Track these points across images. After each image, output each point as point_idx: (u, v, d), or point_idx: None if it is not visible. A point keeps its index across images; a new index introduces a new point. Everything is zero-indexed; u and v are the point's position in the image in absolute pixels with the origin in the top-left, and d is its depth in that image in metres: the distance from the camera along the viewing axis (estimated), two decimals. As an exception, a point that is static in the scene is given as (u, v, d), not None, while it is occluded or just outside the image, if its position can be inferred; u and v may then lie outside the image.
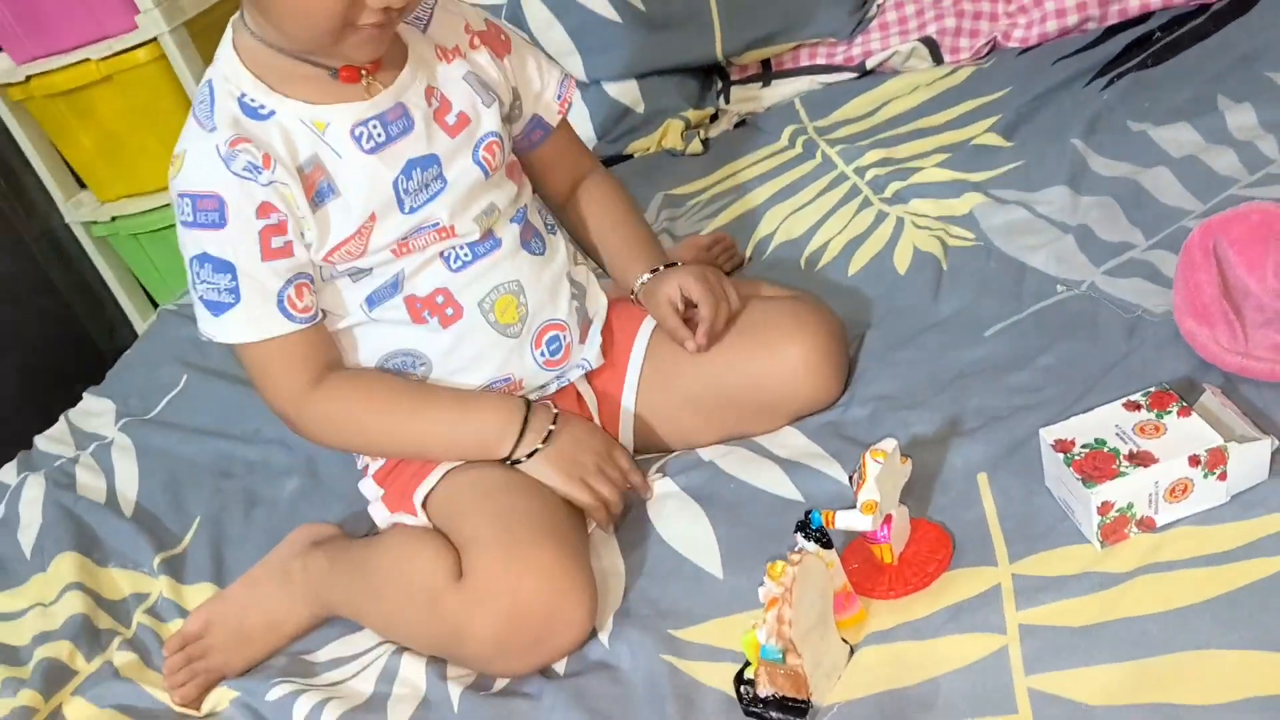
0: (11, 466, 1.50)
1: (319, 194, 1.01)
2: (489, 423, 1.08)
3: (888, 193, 1.43)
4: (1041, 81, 1.53)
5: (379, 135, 1.03)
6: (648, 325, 1.18)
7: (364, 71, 1.02)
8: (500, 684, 0.99)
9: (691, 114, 1.77)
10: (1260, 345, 0.98)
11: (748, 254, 1.45)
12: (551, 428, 1.08)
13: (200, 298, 1.02)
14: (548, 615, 0.96)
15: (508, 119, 1.14)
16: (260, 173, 0.98)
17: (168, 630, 1.17)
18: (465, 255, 1.09)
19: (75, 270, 2.33)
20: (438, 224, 1.06)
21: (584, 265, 1.22)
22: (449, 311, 1.09)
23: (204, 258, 1.00)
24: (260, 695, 1.03)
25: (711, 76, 1.83)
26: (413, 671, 1.01)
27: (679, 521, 1.07)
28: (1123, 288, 1.14)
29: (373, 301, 1.08)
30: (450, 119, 1.07)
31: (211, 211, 0.99)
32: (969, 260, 1.27)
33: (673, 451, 1.18)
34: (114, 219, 2.23)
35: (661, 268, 1.16)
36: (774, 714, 0.86)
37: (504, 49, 1.14)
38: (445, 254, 1.08)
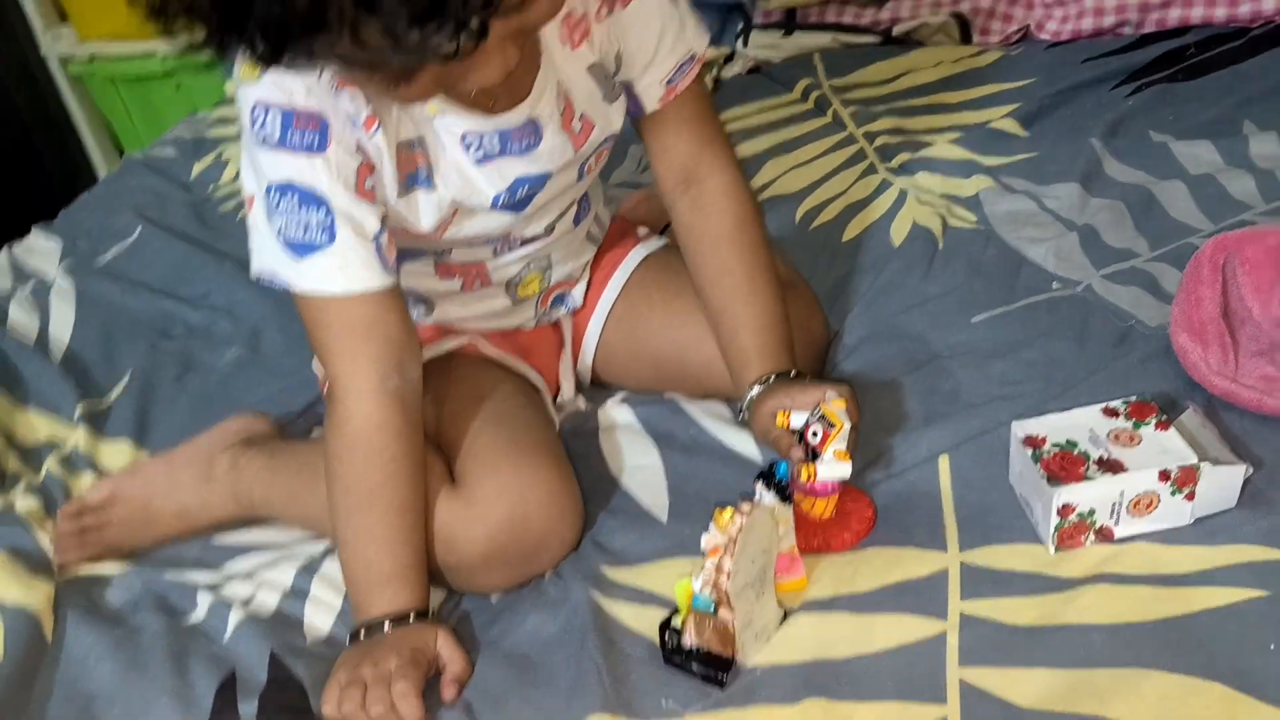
0: (-57, 291, 1.43)
1: (412, 178, 0.88)
2: (380, 590, 0.88)
3: (895, 163, 1.38)
4: (1068, 77, 1.48)
5: (493, 148, 0.90)
6: (633, 257, 1.13)
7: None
8: (435, 597, 0.94)
9: (707, 51, 1.70)
10: (1250, 374, 0.95)
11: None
12: (387, 630, 0.87)
13: (278, 234, 0.84)
14: (544, 532, 0.92)
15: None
16: (357, 127, 0.84)
17: (76, 481, 1.12)
18: (515, 244, 1.01)
19: (44, 105, 2.24)
20: (510, 234, 0.98)
21: (607, 207, 1.16)
22: (476, 283, 1.03)
23: (288, 188, 0.83)
24: (157, 575, 0.98)
25: (733, 16, 1.76)
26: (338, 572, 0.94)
27: (631, 455, 1.03)
28: (1120, 295, 1.11)
29: (405, 258, 0.97)
30: (576, 124, 0.94)
31: (311, 133, 0.82)
32: (967, 243, 1.23)
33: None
34: (92, 59, 2.14)
35: (791, 373, 0.97)
36: (695, 666, 0.82)
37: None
38: (497, 245, 1.00)
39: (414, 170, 0.89)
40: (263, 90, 0.82)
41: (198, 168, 1.64)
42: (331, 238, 0.84)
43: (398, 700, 0.81)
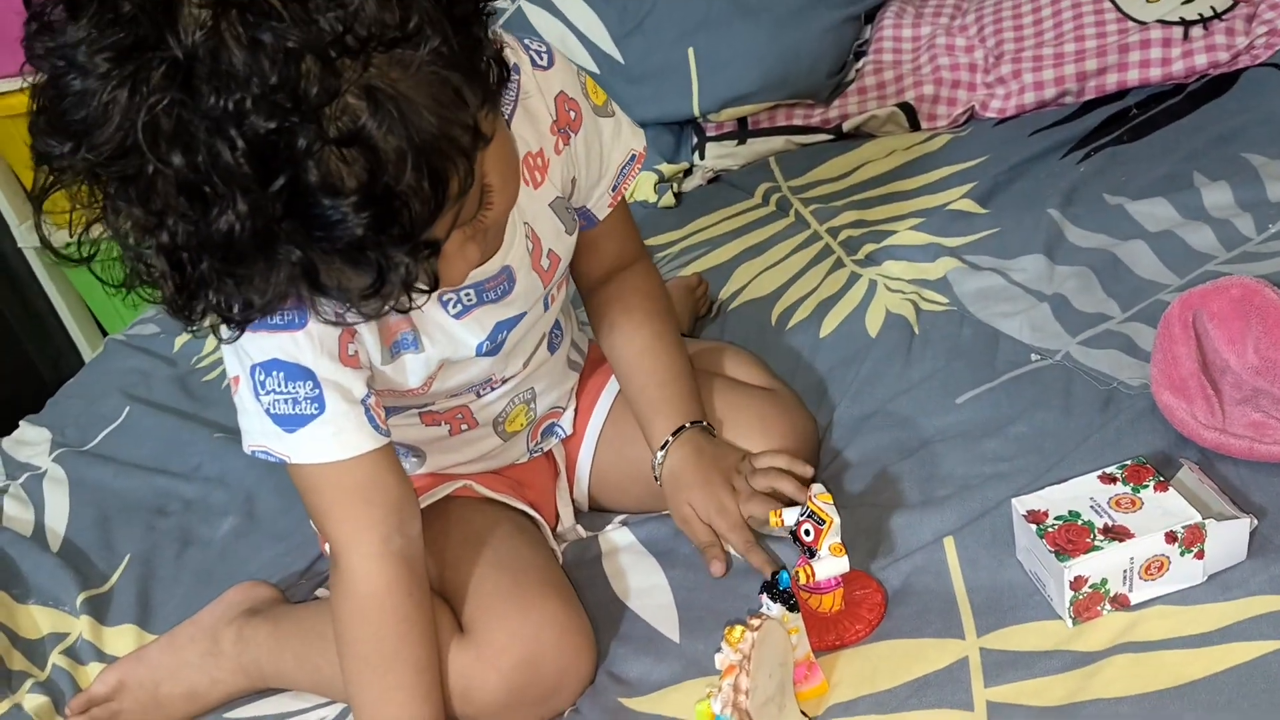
0: (-63, 494, 1.42)
1: (398, 344, 0.90)
2: None
3: (860, 254, 1.40)
4: (1018, 152, 1.52)
5: (470, 301, 0.91)
6: (613, 385, 1.14)
7: None
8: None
9: (665, 168, 1.74)
10: (1237, 422, 0.95)
11: (715, 307, 1.42)
12: None
13: (267, 411, 0.85)
14: (560, 670, 0.91)
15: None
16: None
17: (83, 673, 1.10)
18: (497, 384, 1.02)
19: (23, 295, 2.26)
20: (491, 377, 1.00)
21: (584, 332, 1.18)
22: (464, 427, 1.04)
23: (273, 365, 0.84)
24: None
25: (686, 131, 1.81)
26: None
27: (635, 578, 1.02)
28: (1098, 359, 1.12)
29: (390, 413, 0.98)
30: (544, 261, 0.95)
31: (291, 310, 0.81)
32: (942, 325, 1.24)
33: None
34: (69, 245, 2.16)
35: (688, 425, 1.03)
36: (726, 788, 0.80)
37: (576, 126, 0.95)
38: (479, 388, 1.01)
39: (398, 337, 0.90)
40: None
41: (179, 341, 1.65)
42: (321, 407, 0.85)
43: None
